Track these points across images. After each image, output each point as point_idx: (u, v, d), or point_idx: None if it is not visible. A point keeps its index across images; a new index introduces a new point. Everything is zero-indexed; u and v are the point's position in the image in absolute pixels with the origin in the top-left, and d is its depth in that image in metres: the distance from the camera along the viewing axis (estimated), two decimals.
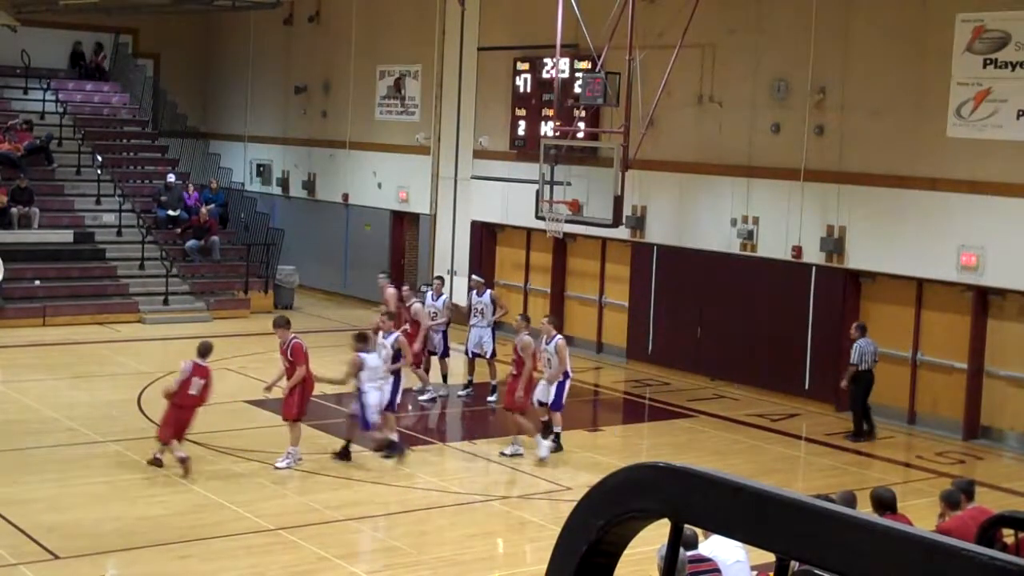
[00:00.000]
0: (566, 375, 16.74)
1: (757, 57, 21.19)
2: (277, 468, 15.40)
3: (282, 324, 15.83)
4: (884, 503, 10.03)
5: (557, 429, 16.69)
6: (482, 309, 19.90)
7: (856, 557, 1.60)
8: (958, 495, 10.55)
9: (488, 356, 19.79)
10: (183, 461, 14.80)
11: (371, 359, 15.61)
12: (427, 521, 13.88)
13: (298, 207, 31.49)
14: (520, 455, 16.40)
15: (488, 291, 20.45)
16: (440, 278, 21.80)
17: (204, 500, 14.07)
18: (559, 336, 16.85)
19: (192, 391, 14.87)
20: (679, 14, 20.14)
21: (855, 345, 18.14)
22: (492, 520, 14.03)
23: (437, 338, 19.84)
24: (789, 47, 20.69)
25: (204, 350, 15.16)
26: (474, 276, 21.79)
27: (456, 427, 19.80)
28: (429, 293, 20.15)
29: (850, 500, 9.82)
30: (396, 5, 28.52)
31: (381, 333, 16.56)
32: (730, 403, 20.43)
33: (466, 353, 20.13)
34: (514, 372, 16.66)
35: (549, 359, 16.69)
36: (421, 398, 19.53)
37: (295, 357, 15.44)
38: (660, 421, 19.25)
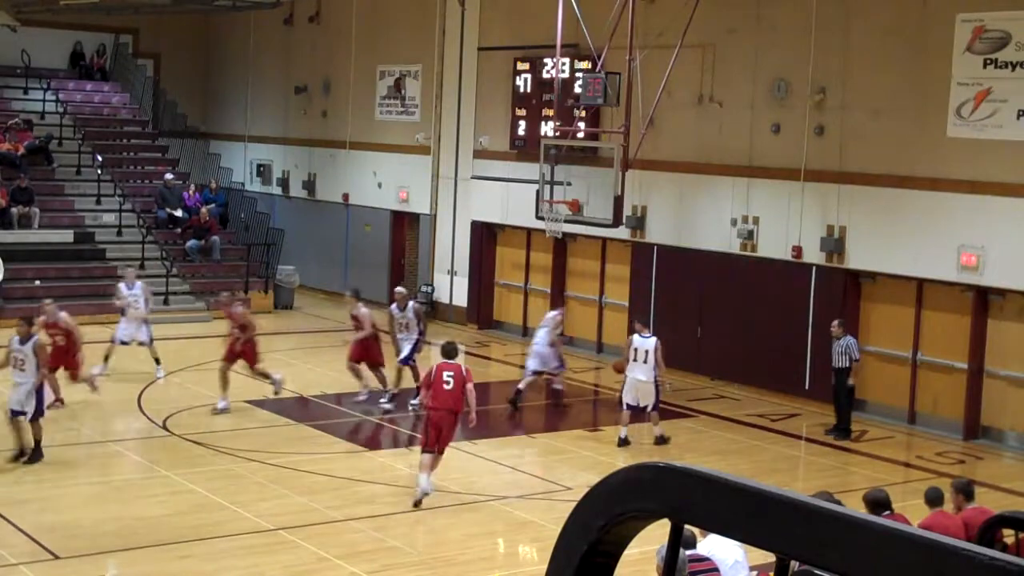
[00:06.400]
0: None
1: (757, 57, 21.20)
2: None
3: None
4: (879, 503, 10.05)
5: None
6: (406, 323, 19.30)
7: (856, 557, 1.60)
8: (939, 492, 10.69)
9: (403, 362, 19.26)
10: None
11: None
12: (427, 521, 13.88)
13: (298, 207, 31.50)
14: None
15: (411, 304, 19.67)
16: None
17: (204, 500, 14.08)
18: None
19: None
20: (679, 14, 20.14)
21: (849, 342, 18.14)
22: (492, 520, 14.03)
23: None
24: (789, 47, 20.69)
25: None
26: (397, 288, 20.73)
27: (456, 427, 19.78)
28: (394, 305, 19.64)
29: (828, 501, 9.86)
30: (396, 5, 28.53)
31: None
32: (730, 403, 20.44)
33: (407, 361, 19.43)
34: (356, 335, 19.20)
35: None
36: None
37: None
38: (660, 421, 19.24)
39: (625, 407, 17.29)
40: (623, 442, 17.24)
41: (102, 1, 28.16)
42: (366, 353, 19.38)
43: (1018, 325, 18.23)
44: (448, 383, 14.27)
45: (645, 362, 17.05)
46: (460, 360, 15.31)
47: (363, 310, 19.48)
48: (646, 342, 17.14)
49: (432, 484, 14.25)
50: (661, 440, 17.45)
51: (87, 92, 32.62)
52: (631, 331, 18.37)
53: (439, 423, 14.28)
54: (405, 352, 19.19)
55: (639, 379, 17.13)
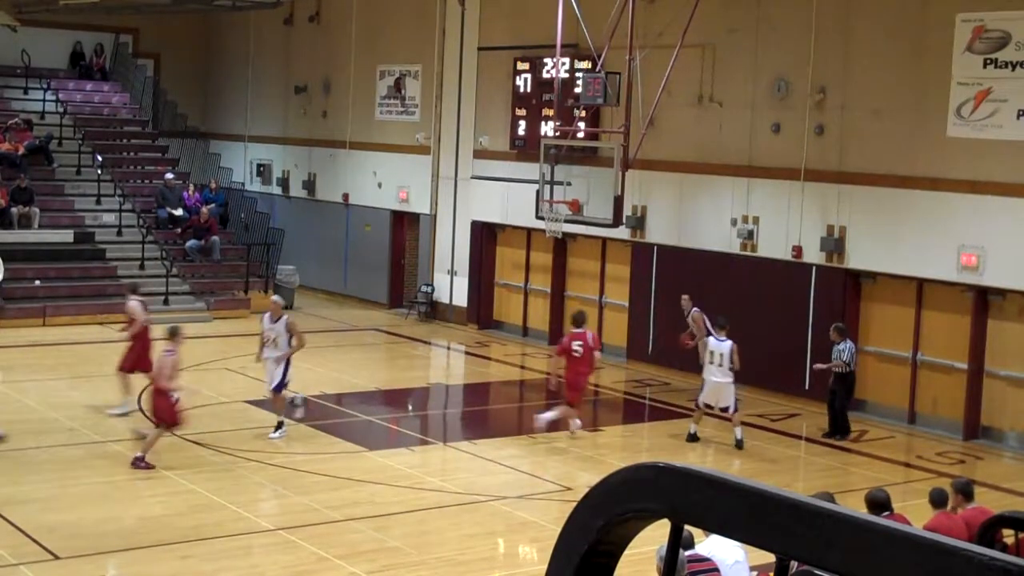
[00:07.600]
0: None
1: (757, 57, 21.20)
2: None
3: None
4: (879, 504, 10.04)
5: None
6: (275, 338, 16.85)
7: (856, 557, 1.60)
8: (943, 494, 10.68)
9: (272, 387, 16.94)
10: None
11: None
12: (427, 521, 13.88)
13: (298, 207, 31.50)
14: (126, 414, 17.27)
15: (285, 317, 17.10)
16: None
17: (204, 500, 14.08)
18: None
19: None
20: (679, 14, 20.14)
21: (847, 347, 18.11)
22: (492, 520, 14.03)
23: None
24: (789, 47, 20.69)
25: None
26: (273, 297, 18.00)
27: (456, 427, 19.80)
28: (266, 315, 17.17)
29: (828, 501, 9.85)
30: (396, 5, 28.52)
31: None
32: None
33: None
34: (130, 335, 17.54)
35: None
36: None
37: None
38: (660, 421, 19.24)
39: (703, 406, 17.66)
40: (692, 437, 17.65)
41: (102, 1, 28.14)
42: (138, 361, 17.35)
43: (1018, 325, 18.22)
44: (577, 352, 17.10)
45: (720, 365, 17.36)
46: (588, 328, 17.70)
47: (133, 303, 17.70)
48: (721, 345, 17.47)
49: (578, 424, 17.47)
50: (740, 445, 17.33)
51: (87, 92, 32.60)
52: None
53: (574, 384, 17.23)
54: (277, 379, 16.71)
55: (717, 381, 17.41)
